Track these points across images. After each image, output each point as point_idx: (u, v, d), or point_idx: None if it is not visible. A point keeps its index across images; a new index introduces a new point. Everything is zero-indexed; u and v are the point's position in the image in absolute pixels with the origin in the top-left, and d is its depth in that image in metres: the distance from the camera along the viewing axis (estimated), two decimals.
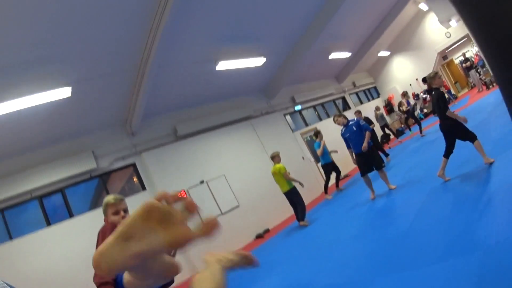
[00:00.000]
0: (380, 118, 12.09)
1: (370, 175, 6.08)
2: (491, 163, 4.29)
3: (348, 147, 6.37)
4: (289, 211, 9.26)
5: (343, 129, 6.32)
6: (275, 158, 7.21)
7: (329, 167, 8.90)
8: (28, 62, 5.07)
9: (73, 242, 7.08)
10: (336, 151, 9.10)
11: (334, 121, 6.52)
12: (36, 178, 6.92)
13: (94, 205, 7.69)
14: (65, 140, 7.24)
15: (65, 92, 5.83)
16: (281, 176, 7.05)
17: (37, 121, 6.24)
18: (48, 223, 7.22)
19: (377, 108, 12.48)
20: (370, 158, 5.96)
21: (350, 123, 6.28)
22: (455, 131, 4.56)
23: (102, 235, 2.03)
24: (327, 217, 7.06)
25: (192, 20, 6.44)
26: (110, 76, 6.50)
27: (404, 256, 3.30)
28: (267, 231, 8.64)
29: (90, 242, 6.32)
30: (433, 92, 4.86)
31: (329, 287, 3.66)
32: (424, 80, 5.08)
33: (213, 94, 8.84)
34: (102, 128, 7.59)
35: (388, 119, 14.42)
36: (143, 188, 7.78)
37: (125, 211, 2.15)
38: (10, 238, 6.88)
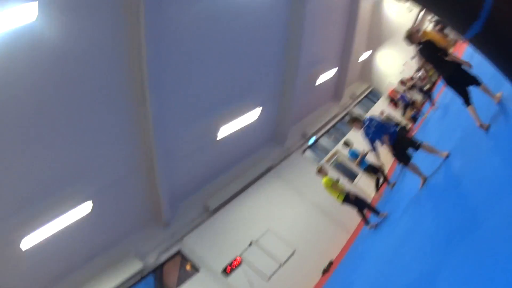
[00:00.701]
0: (388, 119, 12.06)
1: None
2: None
3: (374, 148, 5.91)
4: (345, 236, 8.83)
5: (364, 131, 5.79)
6: (320, 171, 6.90)
7: (370, 168, 8.66)
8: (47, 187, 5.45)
9: None
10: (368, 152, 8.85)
11: (353, 127, 6.15)
12: None
13: None
14: (103, 252, 7.30)
15: (86, 206, 6.09)
16: (331, 189, 6.69)
17: (70, 241, 6.38)
18: None
19: (382, 112, 12.51)
20: (405, 144, 5.39)
21: (367, 122, 5.87)
22: (461, 77, 4.14)
23: None
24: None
25: (185, 97, 6.88)
26: (125, 179, 6.78)
27: None
28: (331, 263, 8.18)
29: None
30: (421, 46, 4.47)
31: None
32: (409, 39, 4.67)
33: (228, 161, 9.01)
34: (136, 229, 7.70)
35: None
36: (197, 270, 7.60)
37: None
38: None
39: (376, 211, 6.73)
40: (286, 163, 10.34)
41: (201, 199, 8.38)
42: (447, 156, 4.92)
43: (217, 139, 8.27)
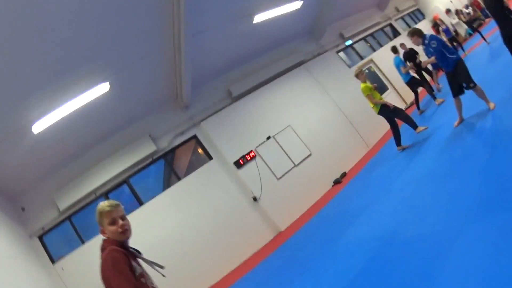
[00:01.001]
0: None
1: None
2: None
3: (435, 67, 5.11)
4: (363, 150, 8.51)
5: (424, 49, 5.11)
6: (358, 76, 6.29)
7: (414, 81, 7.93)
8: (65, 67, 4.96)
9: (147, 230, 6.98)
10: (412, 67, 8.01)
11: (412, 42, 5.25)
12: (98, 176, 6.90)
13: (166, 186, 7.51)
14: (119, 131, 7.17)
15: (104, 87, 5.70)
16: (370, 95, 6.08)
17: (85, 121, 6.15)
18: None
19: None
20: (461, 77, 4.71)
21: (426, 41, 4.99)
22: None
23: (113, 265, 1.75)
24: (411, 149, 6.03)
25: None
26: (146, 58, 6.16)
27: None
28: (344, 175, 7.98)
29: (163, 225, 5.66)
30: None
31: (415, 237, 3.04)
32: None
33: (259, 47, 8.14)
34: (154, 110, 7.36)
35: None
36: (210, 157, 7.41)
37: (123, 218, 1.89)
38: (82, 242, 7.03)
39: (413, 124, 6.19)
40: (319, 60, 9.47)
41: (224, 84, 7.78)
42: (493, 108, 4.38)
43: (253, 22, 7.26)
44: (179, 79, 6.83)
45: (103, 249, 1.84)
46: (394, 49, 8.25)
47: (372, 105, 6.23)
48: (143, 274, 1.85)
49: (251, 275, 6.01)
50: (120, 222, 1.86)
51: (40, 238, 7.24)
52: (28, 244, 6.93)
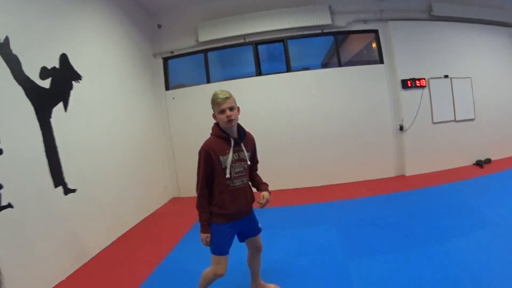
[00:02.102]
0: None
1: None
2: None
3: None
4: None
5: None
6: None
7: None
8: None
9: (286, 98, 6.12)
10: None
11: None
12: (256, 23, 6.17)
13: (324, 63, 6.55)
14: None
15: None
16: None
17: None
18: (259, 73, 6.33)
19: None
20: None
21: None
22: None
23: (199, 157, 2.18)
24: None
25: None
26: None
27: None
28: (488, 161, 6.64)
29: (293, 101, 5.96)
30: None
31: None
32: None
33: None
34: None
35: None
36: (381, 61, 6.33)
37: (231, 108, 2.09)
38: (208, 81, 6.54)
39: None
40: None
41: None
42: None
43: None
44: None
45: (211, 132, 2.22)
46: None
47: None
48: (231, 165, 2.13)
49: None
50: (228, 112, 2.07)
51: (165, 60, 6.51)
52: (149, 62, 6.36)
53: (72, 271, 3.46)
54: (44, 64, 3.46)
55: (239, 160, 2.17)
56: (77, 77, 4.02)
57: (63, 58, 3.80)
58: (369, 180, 6.27)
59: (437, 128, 6.41)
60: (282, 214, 4.79)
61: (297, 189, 6.27)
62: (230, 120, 2.08)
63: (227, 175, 2.12)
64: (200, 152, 2.13)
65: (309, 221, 4.44)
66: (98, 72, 4.54)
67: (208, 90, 6.28)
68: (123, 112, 5.18)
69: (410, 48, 6.29)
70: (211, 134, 2.19)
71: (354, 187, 5.98)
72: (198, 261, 2.95)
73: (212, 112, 2.15)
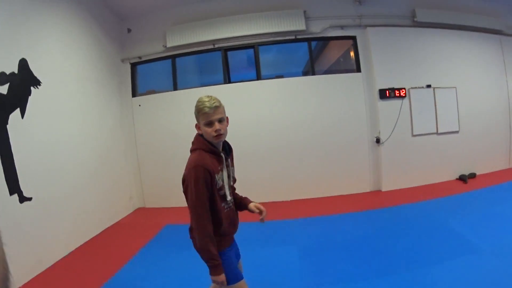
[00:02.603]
0: None
1: None
2: None
3: None
4: (504, 163, 6.70)
5: None
6: None
7: None
8: None
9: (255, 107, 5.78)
10: None
11: None
12: (226, 28, 5.83)
13: (305, 71, 6.18)
14: None
15: None
16: None
17: None
18: (228, 80, 5.99)
19: None
20: None
21: None
22: None
23: (194, 180, 1.66)
24: None
25: None
26: None
27: None
28: (472, 176, 6.21)
29: (268, 109, 5.50)
30: None
31: None
32: None
33: None
34: None
35: None
36: (358, 69, 5.94)
37: (220, 120, 1.69)
38: (175, 88, 6.25)
39: None
40: None
41: (411, 2, 6.16)
42: None
43: None
44: None
45: (192, 146, 1.78)
46: None
47: None
48: (223, 186, 1.76)
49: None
50: (217, 126, 1.68)
51: (133, 65, 6.19)
52: (117, 68, 6.05)
53: (24, 282, 3.32)
54: (2, 70, 3.35)
55: (228, 177, 1.84)
56: (36, 82, 3.86)
57: (22, 63, 3.65)
58: (343, 195, 5.88)
59: (417, 141, 6.01)
60: (240, 231, 4.45)
61: (264, 203, 5.89)
62: (219, 135, 1.70)
63: (228, 197, 1.79)
64: (195, 171, 1.65)
65: (270, 239, 4.07)
66: (61, 77, 4.38)
67: (175, 97, 6.04)
68: (87, 119, 4.96)
69: (390, 56, 5.88)
70: (196, 149, 1.74)
71: (327, 202, 5.60)
72: (147, 280, 3.01)
73: (196, 122, 1.76)
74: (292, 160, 5.90)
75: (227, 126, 1.75)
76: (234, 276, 1.82)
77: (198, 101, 1.69)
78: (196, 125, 1.76)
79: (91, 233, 4.75)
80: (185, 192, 1.72)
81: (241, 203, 2.01)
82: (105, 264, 3.72)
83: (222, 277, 1.74)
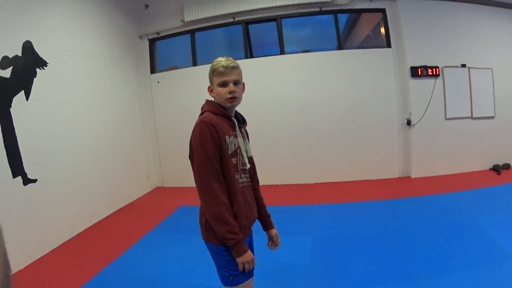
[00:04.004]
0: None
1: None
2: None
3: None
4: None
5: None
6: None
7: None
8: None
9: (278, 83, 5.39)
10: None
11: None
12: (245, 0, 5.26)
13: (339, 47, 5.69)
14: None
15: None
16: None
17: None
18: (250, 55, 5.58)
19: None
20: None
21: None
22: None
23: (200, 139, 1.36)
24: None
25: None
26: None
27: None
28: (507, 166, 5.65)
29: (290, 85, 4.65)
30: None
31: None
32: None
33: None
34: None
35: None
36: (388, 45, 5.47)
37: (236, 83, 1.46)
38: (194, 63, 5.85)
39: None
40: None
41: None
42: None
43: None
44: None
45: (202, 110, 1.51)
46: None
47: None
48: (237, 153, 1.46)
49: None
50: (231, 87, 1.44)
51: (151, 42, 5.86)
52: (134, 44, 5.72)
53: (26, 264, 3.22)
54: (5, 54, 3.23)
55: (245, 144, 1.56)
56: (42, 63, 3.73)
57: (27, 45, 3.52)
58: (369, 180, 5.44)
59: (450, 125, 5.50)
60: None
61: (284, 185, 5.52)
62: (232, 98, 1.46)
63: (245, 165, 1.50)
64: (199, 128, 1.39)
65: (283, 227, 3.68)
66: (69, 57, 4.18)
67: (194, 73, 5.69)
68: (98, 97, 4.70)
69: (423, 31, 5.37)
70: (204, 112, 1.49)
71: (351, 187, 5.17)
72: (148, 267, 2.84)
73: (209, 84, 1.52)
74: (315, 140, 5.49)
75: (243, 92, 1.53)
76: (242, 273, 1.43)
77: (214, 61, 1.48)
78: (208, 87, 1.52)
79: (101, 215, 4.56)
80: (190, 157, 1.43)
81: (260, 214, 1.69)
82: (108, 248, 3.50)
83: (250, 254, 1.39)
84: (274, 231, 1.72)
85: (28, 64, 3.51)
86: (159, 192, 5.78)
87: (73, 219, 3.97)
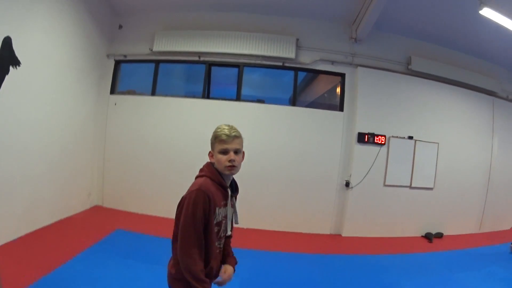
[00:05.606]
0: None
1: None
2: None
3: None
4: (473, 227, 6.25)
5: None
6: None
7: None
8: None
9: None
10: None
11: None
12: (216, 43, 5.43)
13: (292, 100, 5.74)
14: (270, 14, 5.57)
15: None
16: None
17: None
18: (207, 96, 5.57)
19: None
20: None
21: None
22: None
23: (193, 205, 1.42)
24: None
25: None
26: None
27: None
28: (439, 236, 5.77)
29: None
30: None
31: None
32: None
33: (464, 43, 5.88)
34: (321, 19, 5.51)
35: None
36: (341, 108, 5.52)
37: (236, 152, 1.51)
38: (153, 93, 5.79)
39: None
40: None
41: (406, 49, 5.67)
42: None
43: (479, 11, 5.08)
44: (367, 5, 4.95)
45: (200, 173, 1.58)
46: None
47: None
48: (221, 222, 1.54)
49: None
50: (231, 155, 1.50)
51: (117, 63, 5.80)
52: (101, 62, 5.79)
53: None
54: None
55: (226, 217, 1.62)
56: (16, 62, 3.69)
57: (6, 41, 3.49)
58: (301, 233, 5.45)
59: (388, 191, 5.57)
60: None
61: None
62: (231, 166, 1.52)
63: (228, 232, 1.61)
64: (196, 194, 1.43)
65: None
66: (41, 62, 4.14)
67: (152, 102, 5.64)
68: (58, 106, 4.65)
69: (377, 100, 5.45)
70: (203, 175, 1.54)
71: (283, 237, 5.17)
72: (85, 284, 2.76)
73: (210, 149, 1.59)
74: (256, 187, 5.48)
75: (242, 160, 1.58)
76: None
77: (217, 128, 1.55)
78: (209, 152, 1.59)
79: (44, 222, 4.48)
80: (177, 215, 1.47)
81: (225, 258, 1.73)
82: (47, 258, 3.44)
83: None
84: (226, 266, 1.69)
85: (3, 60, 3.46)
86: (98, 211, 5.69)
87: (17, 221, 3.91)
